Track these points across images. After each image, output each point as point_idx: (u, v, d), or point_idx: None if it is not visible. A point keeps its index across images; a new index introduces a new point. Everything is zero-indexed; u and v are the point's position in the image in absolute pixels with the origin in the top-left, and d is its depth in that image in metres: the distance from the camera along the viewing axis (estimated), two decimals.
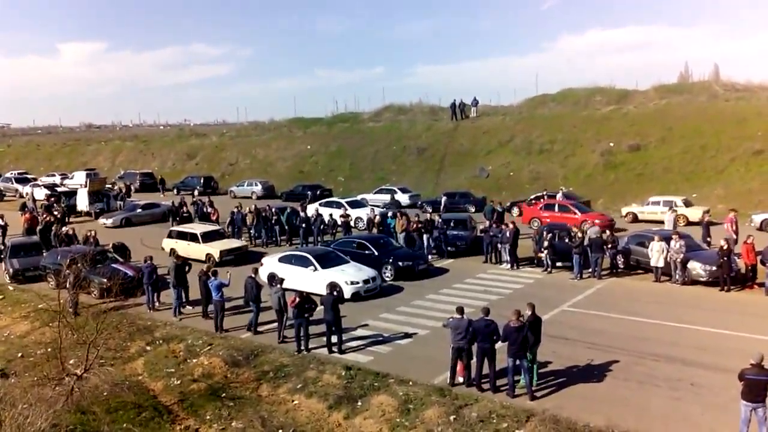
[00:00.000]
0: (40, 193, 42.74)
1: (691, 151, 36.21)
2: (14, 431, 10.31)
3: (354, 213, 30.80)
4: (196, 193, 45.15)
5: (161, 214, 35.90)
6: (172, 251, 25.08)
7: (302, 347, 15.68)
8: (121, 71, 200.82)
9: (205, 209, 32.28)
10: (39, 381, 14.24)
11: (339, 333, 15.71)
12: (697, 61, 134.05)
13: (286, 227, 28.82)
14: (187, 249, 25.16)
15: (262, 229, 28.91)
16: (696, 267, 20.10)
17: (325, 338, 15.86)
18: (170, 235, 26.71)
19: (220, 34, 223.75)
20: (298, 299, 15.52)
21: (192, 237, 25.67)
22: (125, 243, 25.61)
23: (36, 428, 10.34)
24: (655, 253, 20.48)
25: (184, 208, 33.11)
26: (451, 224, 26.14)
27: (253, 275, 17.59)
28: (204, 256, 24.53)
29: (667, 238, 20.58)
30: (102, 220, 34.77)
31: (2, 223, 30.30)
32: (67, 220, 32.89)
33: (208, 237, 25.68)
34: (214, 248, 24.88)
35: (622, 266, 22.11)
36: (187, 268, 19.53)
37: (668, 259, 20.36)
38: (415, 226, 25.27)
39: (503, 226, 23.82)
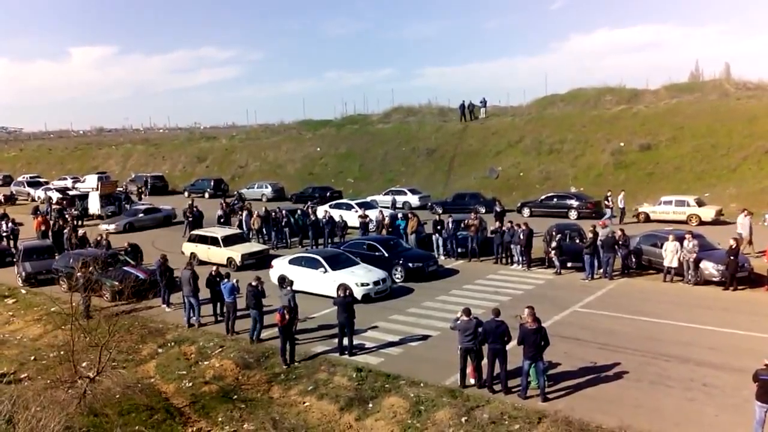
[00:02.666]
0: (53, 197, 43.08)
1: (703, 150, 35.96)
2: None
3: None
4: (206, 195, 45.49)
5: (163, 218, 36.13)
6: (193, 255, 25.02)
7: (287, 362, 15.27)
8: (132, 75, 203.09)
9: (238, 211, 32.14)
10: (52, 384, 14.33)
11: (351, 335, 15.63)
12: (708, 60, 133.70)
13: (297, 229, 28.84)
14: (207, 253, 24.98)
15: (272, 232, 28.93)
16: (708, 267, 19.95)
17: (336, 340, 15.83)
18: (191, 239, 26.32)
19: (230, 38, 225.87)
20: (280, 315, 14.96)
21: (213, 241, 25.20)
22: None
23: (49, 431, 10.39)
24: (669, 253, 20.31)
25: (238, 213, 31.99)
26: (462, 225, 26.04)
27: (254, 283, 16.83)
28: (225, 260, 24.15)
29: (680, 238, 20.43)
30: (103, 226, 33.45)
31: (15, 227, 30.60)
32: (78, 223, 33.03)
33: (229, 241, 25.24)
34: (236, 252, 24.54)
35: (633, 266, 21.96)
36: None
37: (681, 259, 20.22)
38: (470, 223, 24.93)
39: (515, 227, 23.67)
